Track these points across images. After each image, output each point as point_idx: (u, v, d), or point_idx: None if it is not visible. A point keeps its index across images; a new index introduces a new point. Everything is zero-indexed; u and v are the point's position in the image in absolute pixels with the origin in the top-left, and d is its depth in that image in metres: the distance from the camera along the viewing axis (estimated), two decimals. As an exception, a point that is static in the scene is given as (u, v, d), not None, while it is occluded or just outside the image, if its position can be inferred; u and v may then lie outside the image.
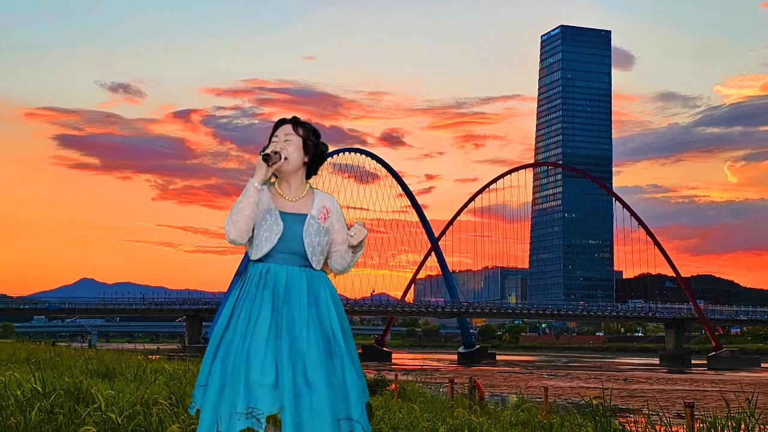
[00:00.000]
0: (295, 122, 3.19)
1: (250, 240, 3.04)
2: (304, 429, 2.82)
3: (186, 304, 77.82)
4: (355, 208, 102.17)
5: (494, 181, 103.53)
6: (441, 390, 15.50)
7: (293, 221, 3.07)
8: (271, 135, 3.18)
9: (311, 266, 3.07)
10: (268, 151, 3.05)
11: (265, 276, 3.02)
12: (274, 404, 2.81)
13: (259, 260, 3.05)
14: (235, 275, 73.94)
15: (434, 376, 24.68)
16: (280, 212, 3.07)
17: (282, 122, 3.21)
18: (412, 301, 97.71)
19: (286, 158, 3.08)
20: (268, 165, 3.03)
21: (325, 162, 3.41)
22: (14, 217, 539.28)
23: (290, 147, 3.11)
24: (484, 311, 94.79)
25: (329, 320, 3.00)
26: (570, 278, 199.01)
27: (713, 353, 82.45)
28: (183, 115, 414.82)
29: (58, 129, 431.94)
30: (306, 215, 3.10)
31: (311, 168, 3.20)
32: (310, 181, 3.26)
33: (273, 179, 3.16)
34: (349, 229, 3.15)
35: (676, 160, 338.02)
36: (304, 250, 3.05)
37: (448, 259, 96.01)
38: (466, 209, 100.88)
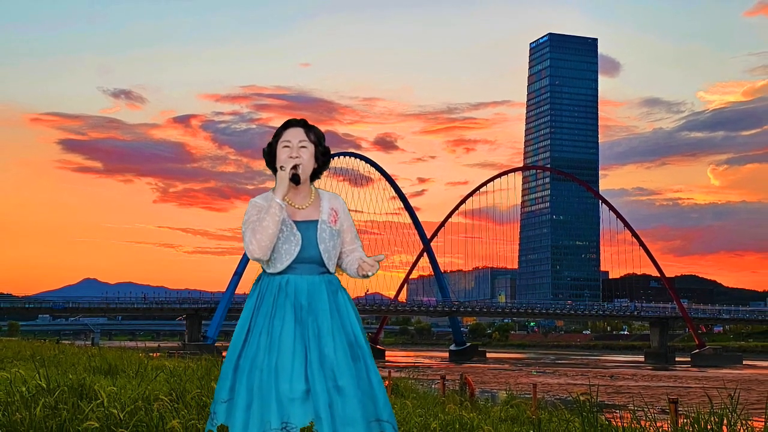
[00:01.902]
0: (306, 126, 3.04)
1: None
2: None
3: (186, 303, 77.59)
4: (350, 210, 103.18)
5: (484, 184, 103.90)
6: (433, 386, 15.10)
7: (307, 229, 2.97)
8: (279, 136, 3.02)
9: (328, 271, 3.00)
10: (290, 168, 2.92)
11: (285, 288, 2.93)
12: (305, 417, 2.75)
13: (278, 272, 2.96)
14: (234, 275, 73.77)
15: (426, 373, 24.48)
16: (294, 222, 2.97)
17: (291, 124, 3.04)
18: (405, 301, 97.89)
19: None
20: (297, 184, 2.95)
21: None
22: (19, 219, 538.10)
23: (305, 155, 2.99)
24: (475, 310, 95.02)
25: (350, 324, 2.95)
26: (558, 278, 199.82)
27: (697, 351, 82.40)
28: (183, 120, 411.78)
29: (62, 134, 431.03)
30: (317, 221, 3.00)
31: (317, 173, 3.08)
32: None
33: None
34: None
35: (661, 164, 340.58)
36: (320, 257, 2.97)
37: (439, 260, 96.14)
38: (457, 211, 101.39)
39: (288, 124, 3.03)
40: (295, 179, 2.92)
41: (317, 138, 3.04)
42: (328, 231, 3.00)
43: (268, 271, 2.98)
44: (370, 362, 2.94)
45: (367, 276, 3.03)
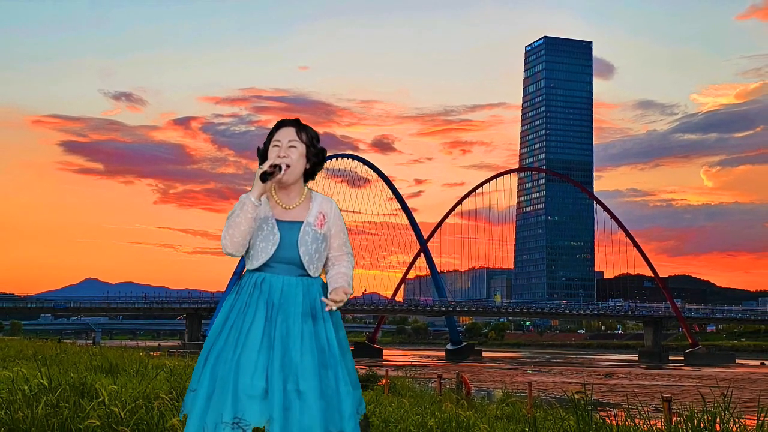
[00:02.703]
0: (298, 126, 2.98)
1: (247, 250, 2.90)
2: None
3: (186, 303, 79.07)
4: (347, 211, 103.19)
5: (480, 185, 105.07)
6: (429, 385, 15.27)
7: (289, 229, 2.92)
8: (271, 136, 2.97)
9: (308, 275, 2.95)
10: (266, 167, 2.83)
11: (260, 285, 2.90)
12: (262, 416, 2.71)
13: (256, 269, 2.93)
14: (233, 275, 74.78)
15: (423, 372, 24.89)
16: (277, 221, 2.93)
17: (284, 123, 2.99)
18: (402, 300, 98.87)
19: (288, 166, 2.90)
20: (264, 182, 2.83)
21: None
22: (22, 220, 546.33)
23: (294, 154, 2.92)
24: (471, 310, 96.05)
25: (325, 331, 2.89)
26: (553, 278, 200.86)
27: (690, 350, 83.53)
28: (183, 123, 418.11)
29: (64, 136, 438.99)
30: (302, 222, 2.95)
31: (310, 173, 3.02)
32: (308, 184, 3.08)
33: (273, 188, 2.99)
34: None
35: (655, 166, 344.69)
36: (300, 259, 2.92)
37: (436, 260, 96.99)
38: (453, 212, 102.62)
39: (280, 124, 2.99)
40: (263, 177, 2.82)
41: (309, 138, 2.98)
42: (311, 234, 2.95)
43: (248, 267, 2.97)
44: (341, 372, 2.87)
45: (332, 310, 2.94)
